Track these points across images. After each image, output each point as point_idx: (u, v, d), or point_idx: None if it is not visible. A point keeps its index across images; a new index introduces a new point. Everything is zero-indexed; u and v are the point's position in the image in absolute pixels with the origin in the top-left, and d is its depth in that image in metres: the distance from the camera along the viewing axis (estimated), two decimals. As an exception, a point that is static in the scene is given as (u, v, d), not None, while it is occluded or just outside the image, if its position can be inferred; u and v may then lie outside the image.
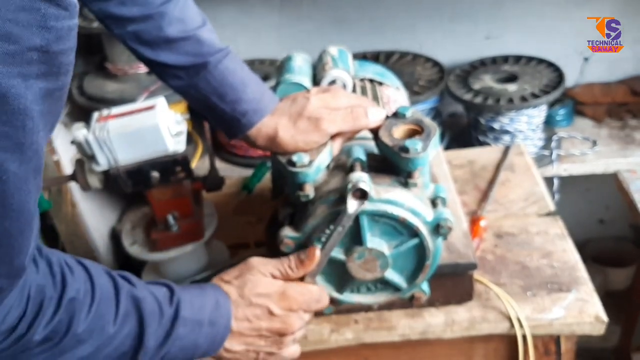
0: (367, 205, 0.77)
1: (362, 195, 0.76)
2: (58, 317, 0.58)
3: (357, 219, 0.78)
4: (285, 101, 0.85)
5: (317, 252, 0.78)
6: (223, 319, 0.72)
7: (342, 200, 0.77)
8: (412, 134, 0.81)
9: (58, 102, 0.48)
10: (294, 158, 0.79)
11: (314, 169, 0.79)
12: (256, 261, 0.77)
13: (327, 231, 0.78)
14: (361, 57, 1.76)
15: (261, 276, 0.76)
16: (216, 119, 0.86)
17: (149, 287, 0.68)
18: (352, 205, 0.76)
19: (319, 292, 0.79)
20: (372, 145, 0.85)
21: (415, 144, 0.76)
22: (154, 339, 0.66)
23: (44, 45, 0.43)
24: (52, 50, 0.44)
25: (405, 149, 0.76)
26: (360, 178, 0.76)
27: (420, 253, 0.81)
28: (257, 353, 0.76)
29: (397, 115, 0.83)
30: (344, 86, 0.97)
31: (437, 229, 0.79)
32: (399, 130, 0.81)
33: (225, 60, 0.84)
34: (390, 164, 0.80)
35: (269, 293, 0.75)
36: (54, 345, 0.59)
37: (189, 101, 0.88)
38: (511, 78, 1.66)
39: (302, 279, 0.79)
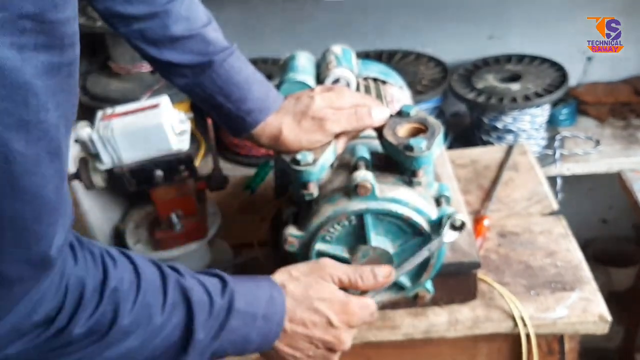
0: (371, 204, 0.77)
1: (461, 226, 0.77)
2: (101, 309, 0.56)
3: (361, 218, 0.78)
4: (289, 100, 0.85)
5: (393, 273, 0.76)
6: (277, 316, 0.69)
7: (348, 197, 0.77)
8: (416, 132, 0.81)
9: (68, 79, 0.46)
10: (298, 157, 0.79)
11: (318, 167, 0.79)
12: (328, 262, 0.74)
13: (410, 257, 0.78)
14: (364, 56, 1.76)
15: (329, 280, 0.72)
16: (221, 117, 0.86)
17: (198, 277, 0.65)
18: (450, 235, 0.77)
19: (372, 307, 0.75)
20: (376, 143, 0.85)
21: (419, 143, 0.76)
22: (204, 330, 0.63)
23: (38, 12, 0.41)
24: (48, 18, 0.42)
25: (410, 148, 0.76)
26: (365, 177, 0.76)
27: (424, 252, 0.81)
28: None
29: (401, 114, 0.83)
30: (348, 85, 0.97)
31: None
32: (403, 129, 0.81)
33: (230, 59, 0.84)
34: (395, 162, 0.80)
35: (332, 300, 0.71)
36: (99, 338, 0.56)
37: (194, 99, 0.88)
38: (514, 77, 1.66)
39: (362, 291, 0.76)
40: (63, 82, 0.45)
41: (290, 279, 0.72)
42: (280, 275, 0.72)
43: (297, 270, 0.73)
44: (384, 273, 0.75)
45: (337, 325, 0.71)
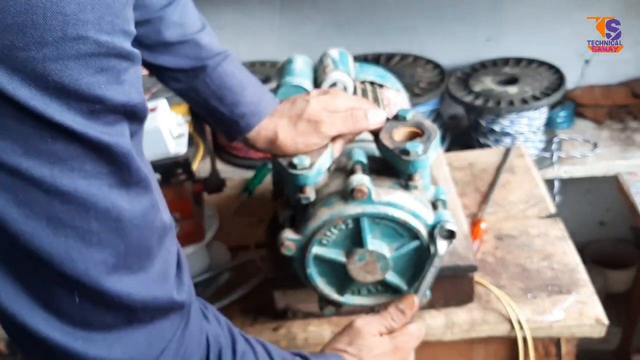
0: (368, 208, 0.77)
1: (451, 235, 0.79)
2: None
3: (357, 221, 0.79)
4: (284, 104, 0.86)
5: (416, 300, 0.80)
6: None
7: (344, 200, 0.78)
8: (412, 136, 0.81)
9: (139, 138, 0.49)
10: (295, 160, 0.79)
11: (315, 171, 0.80)
12: (361, 323, 0.78)
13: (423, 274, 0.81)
14: (362, 59, 1.76)
15: (372, 337, 0.77)
16: (216, 121, 0.87)
17: (285, 354, 0.68)
18: (442, 246, 0.79)
19: (418, 330, 0.80)
20: (372, 147, 0.85)
21: (415, 147, 0.76)
22: None
23: (128, 100, 0.44)
24: (136, 101, 0.45)
25: (406, 152, 0.76)
26: (361, 180, 0.76)
27: (421, 255, 0.81)
28: None
29: (397, 118, 0.83)
30: (345, 89, 0.97)
31: (440, 232, 0.79)
32: (399, 133, 0.81)
33: (224, 63, 0.84)
34: (391, 166, 0.80)
35: (384, 352, 0.76)
36: None
37: (190, 103, 0.89)
38: (512, 80, 1.66)
39: None
40: (137, 141, 0.49)
41: (341, 352, 0.75)
42: (333, 352, 0.76)
43: (340, 343, 0.77)
44: (408, 304, 0.79)
45: None
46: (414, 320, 0.81)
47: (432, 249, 0.80)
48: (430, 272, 0.81)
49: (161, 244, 0.50)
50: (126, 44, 0.44)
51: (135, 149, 0.47)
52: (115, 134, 0.44)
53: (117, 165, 0.44)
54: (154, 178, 0.51)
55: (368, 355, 0.75)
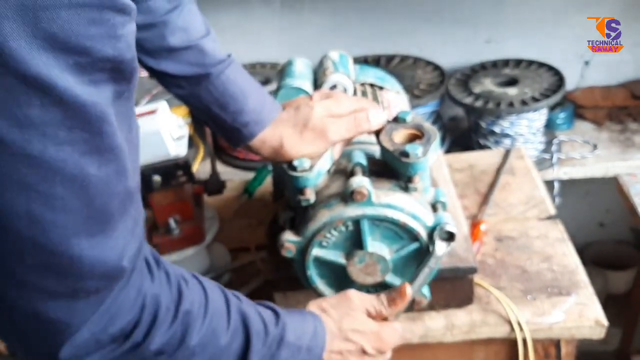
0: (368, 210, 0.77)
1: (450, 237, 0.79)
2: (174, 328, 0.58)
3: (357, 223, 0.79)
4: (288, 110, 0.85)
5: (409, 290, 0.78)
6: (318, 348, 0.72)
7: (344, 202, 0.78)
8: (412, 138, 0.81)
9: (127, 101, 0.49)
10: (295, 162, 0.80)
11: (315, 173, 0.80)
12: (354, 294, 0.77)
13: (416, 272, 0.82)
14: (362, 61, 1.76)
15: (359, 312, 0.76)
16: (218, 128, 0.87)
17: (256, 306, 0.68)
18: (441, 247, 0.79)
19: (402, 331, 0.79)
20: (372, 149, 0.85)
21: (415, 149, 0.76)
22: (257, 357, 0.65)
23: (117, 55, 0.44)
24: (125, 58, 0.45)
25: (406, 154, 0.77)
26: (361, 182, 0.77)
27: (421, 257, 0.82)
28: None
29: (397, 120, 0.83)
30: (345, 91, 0.97)
31: (440, 234, 0.79)
32: (399, 135, 0.81)
33: (227, 71, 0.84)
34: (391, 168, 0.80)
35: (364, 331, 0.75)
36: (168, 357, 0.58)
37: (191, 109, 0.88)
38: (512, 82, 1.66)
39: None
40: (123, 105, 0.48)
41: (323, 312, 0.75)
42: (315, 309, 0.76)
43: (326, 302, 0.76)
44: (400, 293, 0.78)
45: (370, 352, 0.75)
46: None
47: (430, 249, 0.80)
48: (424, 272, 0.81)
49: (123, 209, 0.51)
50: None
51: (121, 112, 0.47)
52: (96, 94, 0.44)
53: (91, 131, 0.44)
54: (133, 140, 0.51)
55: (348, 326, 0.74)
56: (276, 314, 0.70)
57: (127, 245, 0.52)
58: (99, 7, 0.41)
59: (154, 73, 0.85)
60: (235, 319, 0.64)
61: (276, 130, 0.83)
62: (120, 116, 0.47)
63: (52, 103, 0.41)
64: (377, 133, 0.82)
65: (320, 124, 0.81)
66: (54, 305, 0.50)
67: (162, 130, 0.95)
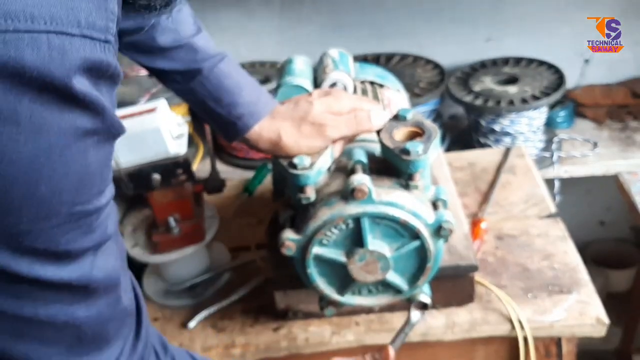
0: (368, 208, 0.77)
1: (423, 306, 0.85)
2: None
3: (358, 221, 0.79)
4: (287, 105, 0.85)
5: (392, 352, 0.80)
6: None
7: (345, 200, 0.78)
8: (413, 136, 0.81)
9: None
10: (296, 160, 0.79)
11: (315, 171, 0.80)
12: (339, 358, 0.80)
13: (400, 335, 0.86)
14: (362, 59, 1.76)
15: None
16: (214, 122, 0.88)
17: None
18: (415, 315, 0.86)
19: None
20: (373, 147, 0.85)
21: (416, 147, 0.76)
22: None
23: (95, 242, 0.46)
24: (105, 234, 0.47)
25: (406, 152, 0.76)
26: (362, 180, 0.76)
27: (422, 255, 0.81)
28: None
29: (398, 118, 0.83)
30: (345, 89, 0.97)
31: (438, 231, 0.80)
32: (399, 133, 0.81)
33: (220, 65, 0.85)
34: (392, 166, 0.80)
35: None
36: None
37: (189, 104, 0.90)
38: (512, 80, 1.66)
39: None
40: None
41: None
42: None
43: None
44: (383, 356, 0.80)
45: None
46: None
47: (408, 315, 0.86)
48: (401, 337, 0.86)
49: (120, 326, 0.53)
50: (98, 201, 0.45)
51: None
52: (79, 268, 0.45)
53: (79, 290, 0.46)
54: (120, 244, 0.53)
55: None
56: None
57: (123, 351, 0.54)
58: (78, 219, 0.43)
59: (150, 70, 0.87)
60: None
61: (274, 123, 0.84)
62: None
63: (39, 284, 0.43)
64: (378, 131, 0.82)
65: (319, 119, 0.81)
66: None
67: (162, 128, 0.95)
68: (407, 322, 0.86)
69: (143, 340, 0.56)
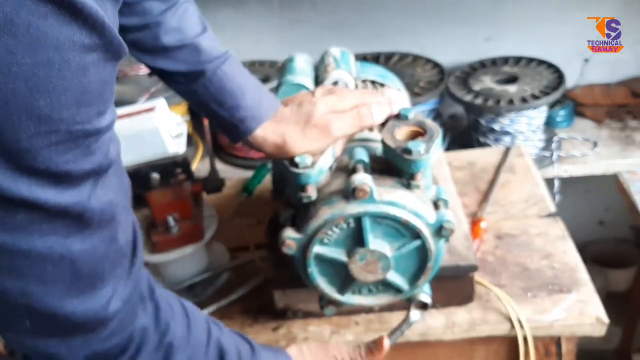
0: (370, 207, 0.77)
1: (423, 306, 0.85)
2: (156, 358, 0.61)
3: (359, 221, 0.78)
4: (291, 107, 0.85)
5: (387, 343, 0.81)
6: None
7: (346, 199, 0.78)
8: (414, 135, 0.81)
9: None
10: (297, 159, 0.79)
11: (317, 170, 0.79)
12: (335, 343, 0.82)
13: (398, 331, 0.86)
14: (361, 58, 1.76)
15: (332, 359, 0.79)
16: (218, 123, 0.87)
17: (236, 339, 0.71)
18: (415, 315, 0.86)
19: None
20: (374, 146, 0.85)
21: (417, 146, 0.76)
22: None
23: (95, 166, 0.47)
24: (102, 163, 0.48)
25: (408, 151, 0.76)
26: (363, 179, 0.76)
27: (422, 255, 0.81)
28: None
29: (399, 117, 0.83)
30: (346, 87, 0.96)
31: (440, 231, 0.79)
32: (401, 132, 0.81)
33: (223, 67, 0.84)
34: (393, 165, 0.80)
35: None
36: None
37: (191, 104, 0.89)
38: (511, 79, 1.66)
39: None
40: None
41: (300, 353, 0.79)
42: (294, 351, 0.79)
43: (306, 346, 0.81)
44: (378, 346, 0.81)
45: None
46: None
47: (407, 313, 0.86)
48: (397, 333, 0.86)
49: (115, 265, 0.54)
50: (98, 122, 0.46)
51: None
52: (77, 194, 0.46)
53: (74, 220, 0.47)
54: (124, 186, 0.54)
55: None
56: (252, 349, 0.73)
57: (116, 291, 0.54)
58: (76, 138, 0.44)
59: (152, 70, 0.86)
60: (213, 353, 0.67)
61: (278, 127, 0.83)
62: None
63: (36, 211, 0.44)
64: (383, 125, 0.82)
65: (323, 121, 0.81)
66: (50, 344, 0.54)
67: (161, 127, 0.94)
68: (406, 319, 0.86)
69: (134, 280, 0.57)
